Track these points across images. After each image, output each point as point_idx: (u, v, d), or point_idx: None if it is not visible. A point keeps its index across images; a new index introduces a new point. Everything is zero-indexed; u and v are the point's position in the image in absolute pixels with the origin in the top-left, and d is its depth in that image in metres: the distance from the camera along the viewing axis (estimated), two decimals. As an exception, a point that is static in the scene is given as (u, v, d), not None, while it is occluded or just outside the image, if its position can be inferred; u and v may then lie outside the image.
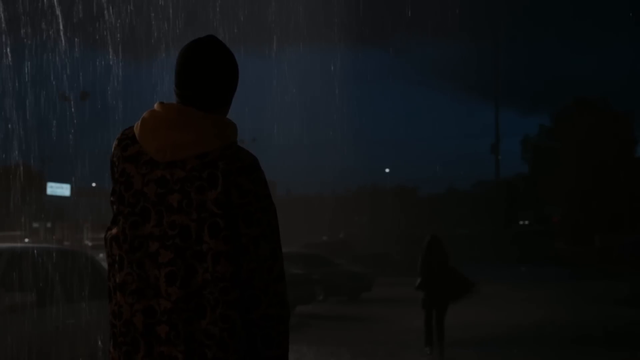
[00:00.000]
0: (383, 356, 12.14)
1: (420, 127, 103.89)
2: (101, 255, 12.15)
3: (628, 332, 13.92)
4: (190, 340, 2.45)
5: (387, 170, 64.62)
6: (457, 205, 53.92)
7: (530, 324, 15.34)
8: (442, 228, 42.67)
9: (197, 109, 2.56)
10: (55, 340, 7.09)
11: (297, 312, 16.92)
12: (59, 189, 49.60)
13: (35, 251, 7.74)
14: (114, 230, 2.57)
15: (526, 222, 52.45)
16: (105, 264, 2.84)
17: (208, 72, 2.58)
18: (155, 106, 2.59)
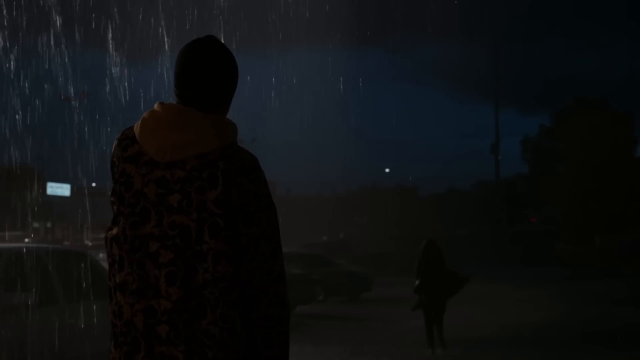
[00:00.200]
0: (383, 356, 12.15)
1: (420, 127, 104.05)
2: (101, 255, 12.15)
3: (628, 332, 13.91)
4: (190, 340, 2.46)
5: (387, 170, 64.68)
6: (457, 205, 53.86)
7: (530, 324, 15.33)
8: (442, 228, 42.83)
9: (197, 109, 2.56)
10: (55, 340, 7.09)
11: (297, 312, 16.91)
12: (59, 189, 49.65)
13: (35, 251, 7.73)
14: (114, 231, 2.57)
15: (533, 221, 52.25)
16: (105, 264, 2.85)
17: (208, 72, 2.58)
18: (155, 106, 2.59)
